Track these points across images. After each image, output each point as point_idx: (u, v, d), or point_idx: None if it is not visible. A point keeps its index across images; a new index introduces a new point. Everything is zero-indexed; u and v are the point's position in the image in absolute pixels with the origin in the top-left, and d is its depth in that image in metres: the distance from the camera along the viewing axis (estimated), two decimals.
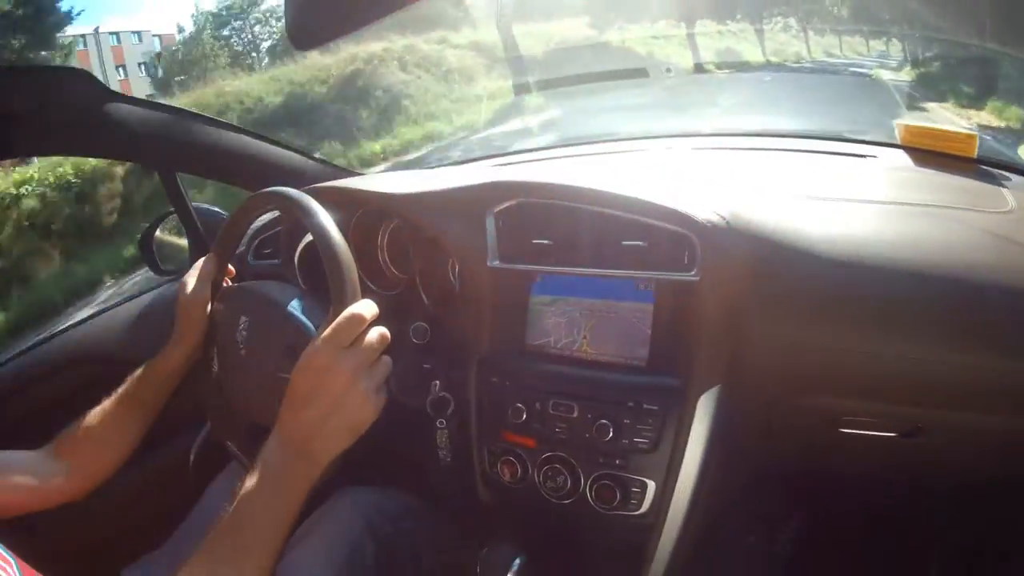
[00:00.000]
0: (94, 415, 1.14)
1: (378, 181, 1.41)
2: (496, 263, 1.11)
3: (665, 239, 1.05)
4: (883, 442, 1.08)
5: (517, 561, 0.97)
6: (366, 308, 0.88)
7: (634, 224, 1.07)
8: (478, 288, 1.12)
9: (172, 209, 1.64)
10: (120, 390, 1.16)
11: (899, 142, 1.37)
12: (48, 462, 1.10)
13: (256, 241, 1.48)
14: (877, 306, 0.97)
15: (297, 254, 1.32)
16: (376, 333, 0.88)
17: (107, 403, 1.15)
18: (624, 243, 1.08)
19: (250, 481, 0.83)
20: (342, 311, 0.88)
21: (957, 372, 0.95)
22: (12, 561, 0.97)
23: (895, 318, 0.96)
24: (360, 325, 0.87)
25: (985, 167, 1.27)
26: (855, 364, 0.99)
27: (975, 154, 1.26)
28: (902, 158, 1.36)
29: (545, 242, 1.11)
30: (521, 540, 1.05)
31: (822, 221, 1.05)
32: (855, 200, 1.15)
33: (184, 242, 1.72)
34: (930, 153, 1.33)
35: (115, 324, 1.53)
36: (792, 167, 1.41)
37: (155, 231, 1.68)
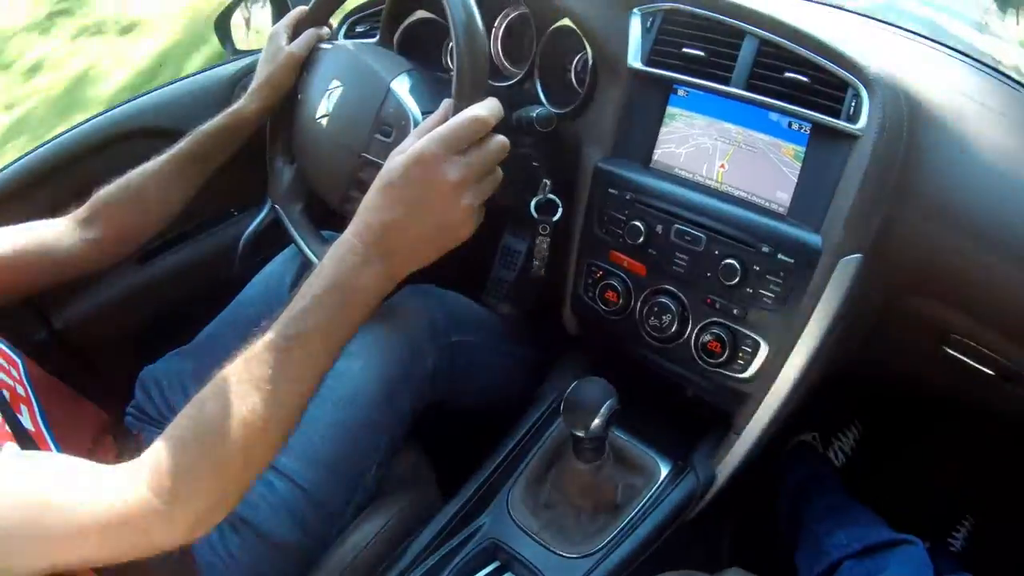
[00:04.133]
0: (136, 175, 0.96)
1: None
2: (637, 64, 0.89)
3: (829, 84, 0.83)
4: (980, 377, 0.91)
5: (608, 403, 0.78)
6: (491, 109, 0.70)
7: (798, 59, 0.85)
8: (609, 89, 0.91)
9: None
10: (174, 148, 0.98)
11: None
12: (78, 228, 0.93)
13: (351, 18, 1.25)
14: None
15: (398, 33, 1.10)
16: (496, 142, 0.71)
17: (156, 162, 0.97)
18: (787, 74, 0.86)
19: (317, 280, 0.66)
20: (464, 107, 0.70)
21: None
22: (19, 361, 0.82)
23: None
24: (482, 129, 0.69)
25: None
26: (990, 284, 0.82)
27: None
28: None
29: (696, 52, 0.88)
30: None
31: (997, 135, 0.87)
32: None
33: (267, 23, 1.49)
34: None
35: (173, 98, 1.32)
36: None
37: (235, 8, 1.46)
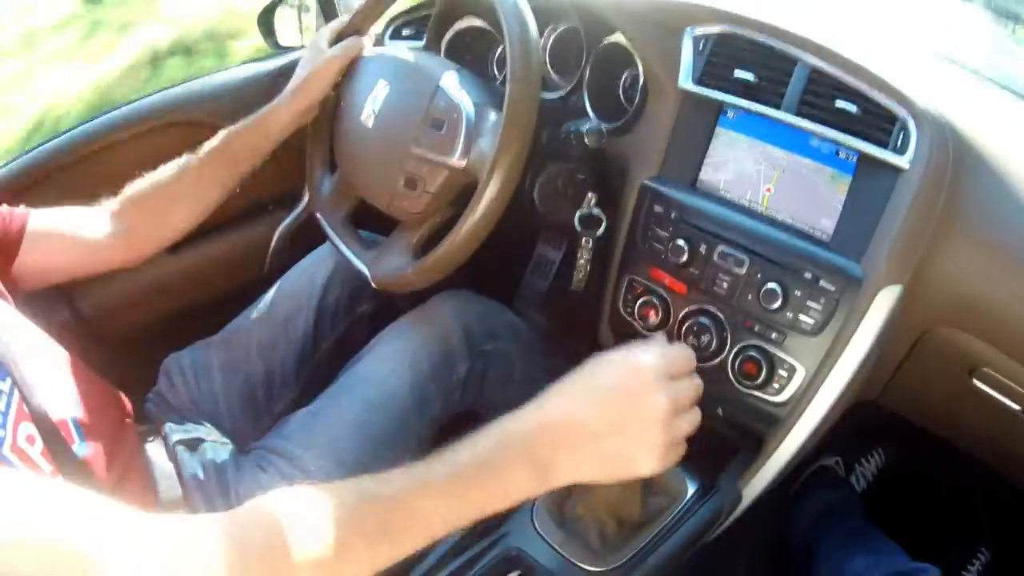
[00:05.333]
0: (166, 173, 0.94)
1: None
2: (688, 84, 0.89)
3: (878, 114, 0.83)
4: (1006, 411, 0.90)
5: None
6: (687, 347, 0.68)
7: (848, 88, 0.84)
8: (658, 108, 0.91)
9: None
10: (209, 145, 0.96)
11: None
12: (108, 220, 0.92)
13: (397, 22, 1.25)
14: None
15: (447, 38, 1.10)
16: (697, 380, 0.66)
17: (189, 158, 0.95)
18: (837, 103, 0.85)
19: (446, 453, 0.58)
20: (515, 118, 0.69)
21: None
22: None
23: None
24: (691, 364, 0.65)
25: None
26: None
27: None
28: None
29: (747, 76, 0.87)
30: None
31: None
32: None
33: (311, 20, 1.49)
34: None
35: (213, 90, 1.30)
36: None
37: (279, 2, 1.45)
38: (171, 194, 0.95)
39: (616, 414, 0.59)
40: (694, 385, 0.65)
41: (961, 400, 0.99)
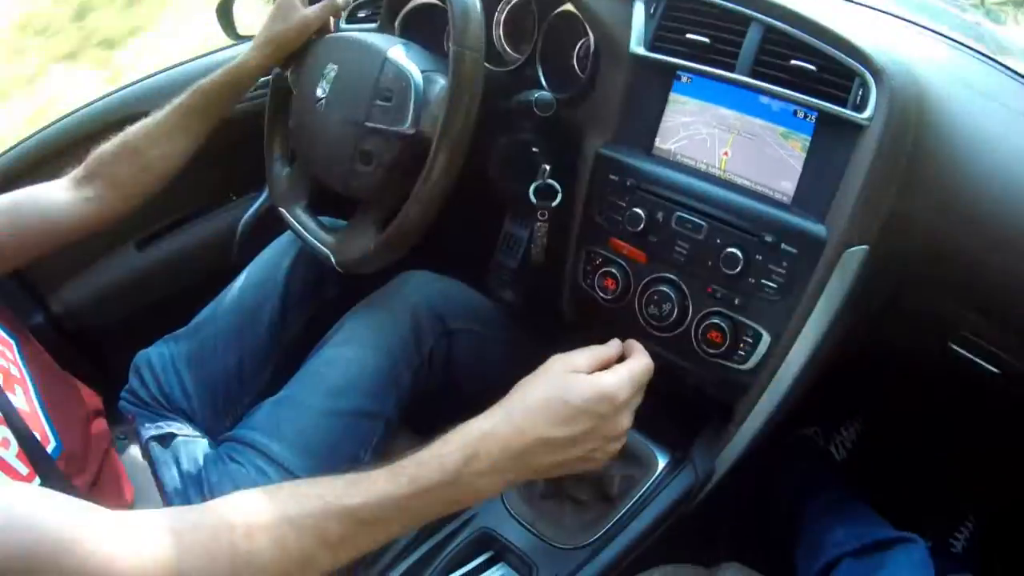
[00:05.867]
0: (135, 131, 0.93)
1: None
2: (640, 50, 0.86)
3: (836, 72, 0.80)
4: (985, 376, 0.88)
5: None
6: (647, 355, 0.70)
7: (804, 46, 0.81)
8: (612, 75, 0.89)
9: None
10: (174, 102, 0.94)
11: None
12: (75, 188, 0.90)
13: (352, 3, 1.22)
14: None
15: (400, 17, 1.08)
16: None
17: (154, 117, 0.94)
18: (793, 62, 0.83)
19: (429, 469, 0.57)
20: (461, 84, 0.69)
21: None
22: (13, 342, 0.79)
23: None
24: (648, 377, 0.68)
25: None
26: (999, 281, 0.80)
27: None
28: None
29: (701, 39, 0.85)
30: None
31: (1007, 130, 0.84)
32: None
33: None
34: None
35: (173, 83, 1.28)
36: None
37: None
38: (140, 152, 0.92)
39: (586, 434, 0.62)
40: (640, 398, 0.67)
41: (939, 366, 0.97)
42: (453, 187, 0.83)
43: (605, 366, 0.66)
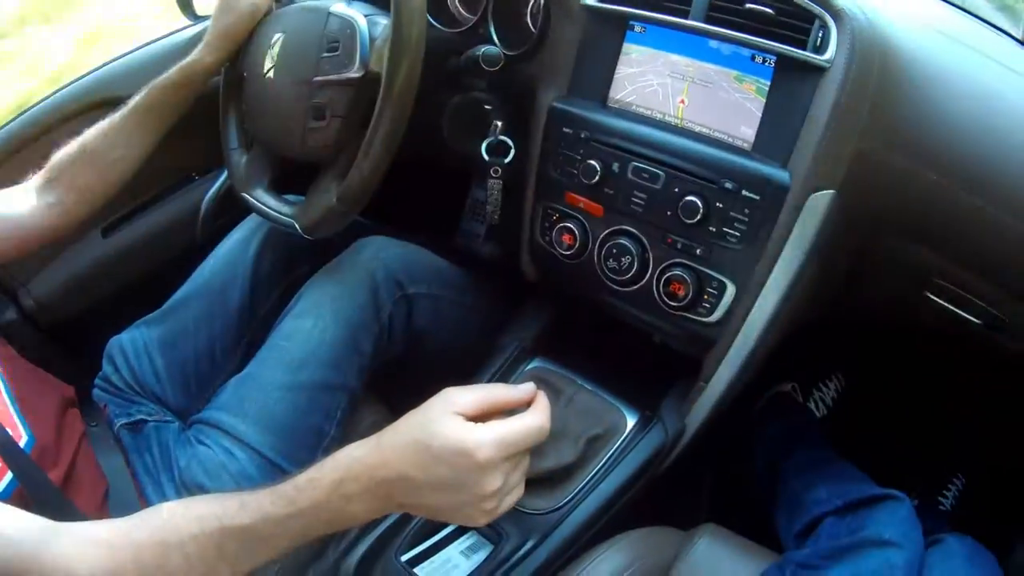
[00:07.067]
0: (92, 134, 0.91)
1: None
2: (592, 0, 0.83)
3: (794, 15, 0.78)
4: (965, 326, 0.86)
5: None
6: (544, 415, 0.64)
7: None
8: (563, 28, 0.86)
9: None
10: (129, 103, 0.93)
11: None
12: (37, 193, 0.89)
13: None
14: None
15: None
16: (526, 461, 0.65)
17: (110, 119, 0.92)
18: (748, 5, 0.80)
19: (306, 492, 0.59)
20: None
21: None
22: None
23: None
24: (541, 439, 0.63)
25: None
26: (969, 224, 0.78)
27: None
28: None
29: None
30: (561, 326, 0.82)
31: (973, 73, 0.83)
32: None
33: None
34: None
35: (135, 66, 1.25)
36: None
37: None
38: (99, 155, 0.91)
39: (445, 485, 0.59)
40: (526, 463, 0.64)
41: (917, 317, 0.94)
42: (415, 153, 0.80)
43: (502, 410, 0.62)
